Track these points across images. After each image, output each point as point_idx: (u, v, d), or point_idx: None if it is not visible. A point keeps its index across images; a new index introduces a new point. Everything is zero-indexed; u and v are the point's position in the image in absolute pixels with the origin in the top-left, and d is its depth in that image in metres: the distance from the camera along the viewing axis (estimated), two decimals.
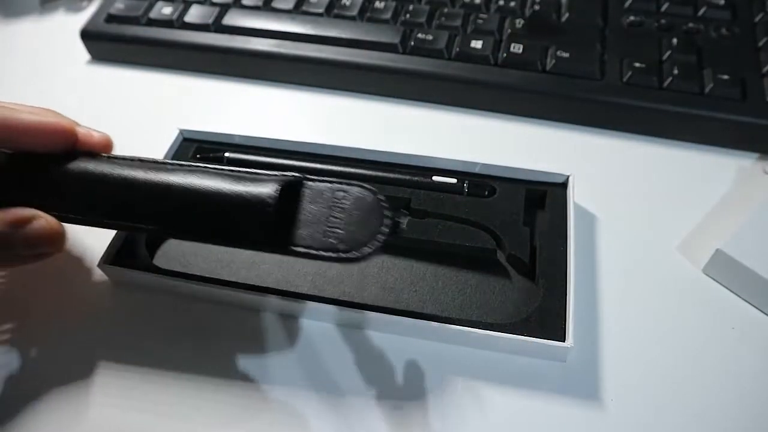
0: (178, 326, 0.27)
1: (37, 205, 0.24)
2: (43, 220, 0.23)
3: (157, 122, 0.37)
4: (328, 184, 0.24)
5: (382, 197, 0.23)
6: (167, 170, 0.24)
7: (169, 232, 0.25)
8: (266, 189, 0.23)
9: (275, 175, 0.23)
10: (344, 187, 0.24)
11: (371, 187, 0.23)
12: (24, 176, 0.25)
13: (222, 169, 0.24)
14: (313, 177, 0.24)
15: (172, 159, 0.33)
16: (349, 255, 0.22)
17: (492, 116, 0.37)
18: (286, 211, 0.23)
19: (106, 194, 0.24)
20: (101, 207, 0.24)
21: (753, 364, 0.25)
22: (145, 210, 0.24)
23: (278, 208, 0.22)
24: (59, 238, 0.24)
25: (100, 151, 0.26)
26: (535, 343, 0.25)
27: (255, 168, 0.24)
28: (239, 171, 0.24)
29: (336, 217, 0.23)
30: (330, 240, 0.23)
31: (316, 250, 0.22)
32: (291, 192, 0.23)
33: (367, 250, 0.22)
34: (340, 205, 0.23)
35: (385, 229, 0.22)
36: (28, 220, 0.23)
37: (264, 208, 0.22)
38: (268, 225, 0.22)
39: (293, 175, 0.24)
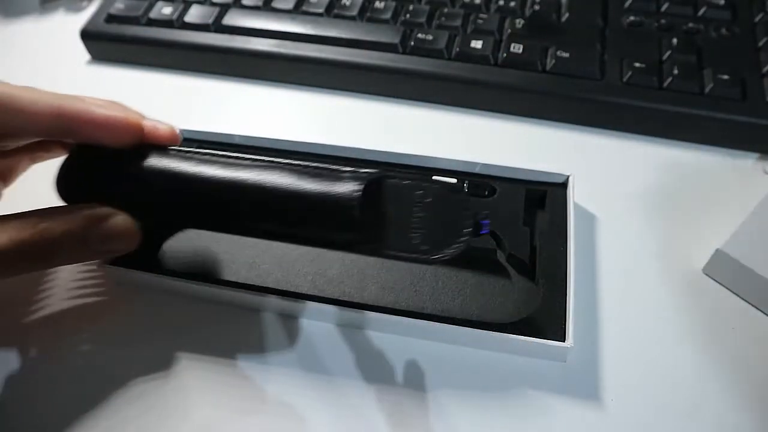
0: (178, 326, 0.27)
1: (115, 202, 0.24)
2: (120, 217, 0.24)
3: None
4: (409, 182, 0.23)
5: (462, 196, 0.23)
6: (243, 166, 0.23)
7: (250, 232, 0.25)
8: (349, 187, 0.22)
9: (355, 171, 0.23)
10: (423, 185, 0.23)
11: (452, 185, 0.23)
12: (102, 173, 0.25)
13: (298, 165, 0.23)
14: (392, 174, 0.23)
15: None
16: (435, 256, 0.22)
17: (492, 116, 0.37)
18: (369, 209, 0.22)
19: (182, 192, 0.24)
20: (177, 206, 0.24)
21: (753, 365, 0.25)
22: (224, 209, 0.24)
23: (362, 208, 0.22)
24: (134, 235, 0.24)
25: (167, 143, 0.26)
26: (535, 343, 0.25)
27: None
28: (317, 167, 0.23)
29: (417, 216, 0.23)
30: (413, 241, 0.22)
31: (402, 251, 0.22)
32: (373, 189, 0.23)
33: (450, 251, 0.22)
34: (421, 204, 0.23)
35: (467, 230, 0.22)
36: (105, 218, 0.24)
37: (348, 208, 0.22)
38: (353, 225, 0.22)
39: (374, 172, 0.23)
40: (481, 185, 0.30)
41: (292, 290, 0.27)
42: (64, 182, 0.25)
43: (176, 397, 0.25)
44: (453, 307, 0.27)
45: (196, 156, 0.24)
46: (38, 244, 0.22)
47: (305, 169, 0.23)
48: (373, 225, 0.23)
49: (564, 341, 0.24)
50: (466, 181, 0.30)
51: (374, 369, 0.26)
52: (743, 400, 0.24)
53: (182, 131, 0.33)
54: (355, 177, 0.23)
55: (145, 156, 0.25)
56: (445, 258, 0.22)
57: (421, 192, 0.23)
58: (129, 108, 0.26)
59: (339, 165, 0.23)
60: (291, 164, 0.23)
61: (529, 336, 0.25)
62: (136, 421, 0.25)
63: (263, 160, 0.24)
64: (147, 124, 0.26)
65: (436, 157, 0.31)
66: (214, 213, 0.24)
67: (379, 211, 0.23)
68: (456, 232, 0.22)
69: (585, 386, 0.25)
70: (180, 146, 0.26)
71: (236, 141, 0.33)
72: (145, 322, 0.28)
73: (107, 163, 0.25)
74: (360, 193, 0.22)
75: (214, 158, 0.24)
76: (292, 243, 0.25)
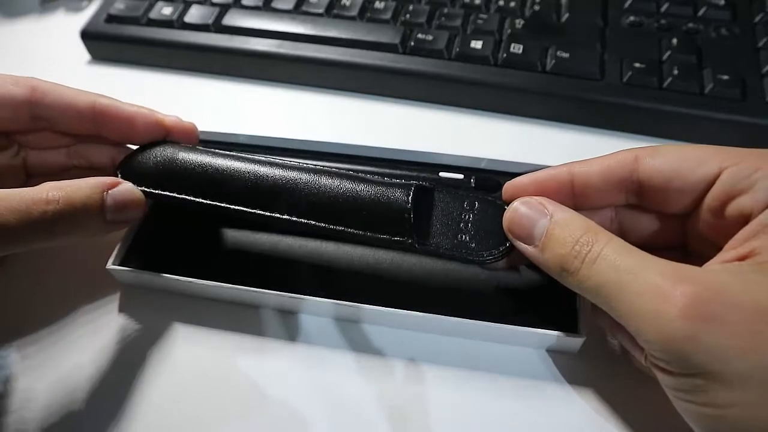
0: (184, 326, 0.28)
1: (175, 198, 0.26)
2: (128, 183, 0.26)
3: None
4: (456, 191, 0.26)
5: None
6: (305, 170, 0.26)
7: (309, 229, 0.26)
8: (402, 193, 0.25)
9: (406, 179, 0.26)
10: (471, 195, 0.26)
11: (497, 201, 0.25)
12: (163, 165, 0.27)
13: (354, 172, 0.26)
14: (441, 187, 0.26)
15: None
16: (480, 257, 0.24)
17: (492, 116, 0.37)
18: (420, 212, 0.25)
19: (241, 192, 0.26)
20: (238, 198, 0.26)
21: None
22: (282, 206, 0.26)
23: (414, 211, 0.24)
24: (141, 202, 0.26)
25: (190, 136, 0.29)
26: (547, 335, 0.25)
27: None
28: (371, 176, 0.26)
29: (465, 221, 0.25)
30: (462, 239, 0.25)
31: (449, 248, 0.25)
32: (423, 196, 0.26)
33: (495, 252, 0.24)
34: (469, 212, 0.25)
35: (509, 242, 0.24)
36: (115, 184, 0.25)
37: (402, 212, 0.24)
38: (406, 227, 0.24)
39: (424, 181, 0.26)
40: (487, 180, 0.30)
41: (297, 288, 0.27)
42: (125, 167, 0.27)
43: (177, 397, 0.25)
44: (463, 302, 0.27)
45: (260, 158, 0.27)
46: (56, 214, 0.23)
47: (362, 177, 0.26)
48: (423, 227, 0.25)
49: (577, 333, 0.25)
50: (473, 177, 0.30)
51: (379, 364, 0.26)
52: None
53: None
54: (407, 185, 0.25)
55: (204, 155, 0.27)
56: (489, 260, 0.24)
57: (469, 201, 0.25)
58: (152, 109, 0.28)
59: (387, 176, 0.26)
60: (349, 172, 0.26)
61: (542, 328, 0.25)
62: (138, 421, 0.25)
63: (322, 167, 0.26)
64: (170, 118, 0.28)
65: (442, 154, 0.31)
66: (274, 203, 0.26)
67: (429, 216, 0.25)
68: (501, 237, 0.24)
69: (598, 378, 0.25)
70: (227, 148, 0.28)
71: (241, 140, 0.33)
72: (145, 322, 0.28)
73: (170, 157, 0.27)
74: (411, 198, 0.25)
75: (279, 162, 0.27)
76: (347, 241, 0.28)
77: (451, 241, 0.25)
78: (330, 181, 0.26)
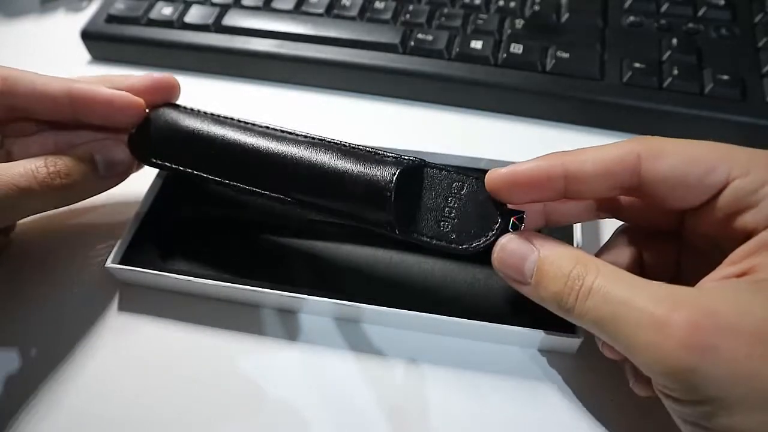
0: (183, 324, 0.27)
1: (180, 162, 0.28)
2: (118, 146, 0.28)
3: None
4: (446, 173, 0.24)
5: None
6: (297, 142, 0.25)
7: (292, 201, 0.26)
8: (387, 171, 0.23)
9: (396, 156, 0.24)
10: (462, 177, 0.24)
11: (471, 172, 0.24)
12: (170, 134, 0.28)
13: (344, 145, 0.25)
14: (433, 164, 0.24)
15: None
16: (460, 247, 0.23)
17: (492, 116, 0.37)
18: (404, 193, 0.23)
19: (236, 157, 0.26)
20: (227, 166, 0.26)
21: None
22: (267, 179, 0.25)
23: (396, 191, 0.23)
24: (131, 162, 0.28)
25: (170, 93, 0.29)
26: (545, 335, 0.25)
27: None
28: (362, 149, 0.25)
29: (450, 207, 0.23)
30: (443, 229, 0.23)
31: (430, 237, 0.23)
32: (410, 175, 0.24)
33: (477, 243, 0.23)
34: (456, 196, 0.24)
35: (497, 224, 0.23)
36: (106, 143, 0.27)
37: (383, 190, 0.23)
38: (386, 206, 0.23)
39: (414, 159, 0.24)
40: None
41: (296, 287, 0.27)
42: (135, 140, 0.28)
43: (177, 396, 0.25)
44: (462, 302, 0.27)
45: (255, 128, 0.27)
46: (56, 177, 0.25)
47: (351, 149, 0.25)
48: (405, 209, 0.23)
49: (574, 333, 0.25)
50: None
51: (379, 364, 0.26)
52: None
53: None
54: (394, 162, 0.24)
55: (207, 123, 0.27)
56: (470, 251, 0.23)
57: (458, 184, 0.24)
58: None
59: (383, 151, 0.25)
60: (336, 144, 0.25)
61: (539, 329, 0.25)
62: (140, 422, 0.25)
63: (309, 137, 0.26)
64: (146, 82, 0.28)
65: (442, 153, 0.31)
66: (260, 176, 0.26)
67: (414, 197, 0.24)
68: (486, 225, 0.23)
69: (595, 378, 0.25)
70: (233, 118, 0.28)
71: None
72: (144, 320, 0.28)
73: (175, 126, 0.28)
74: (395, 177, 0.23)
75: (270, 131, 0.26)
76: (328, 216, 0.27)
77: (433, 228, 0.23)
78: (314, 153, 0.25)
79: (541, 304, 0.22)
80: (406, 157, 0.24)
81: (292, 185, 0.25)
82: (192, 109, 0.28)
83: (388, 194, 0.23)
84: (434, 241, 0.23)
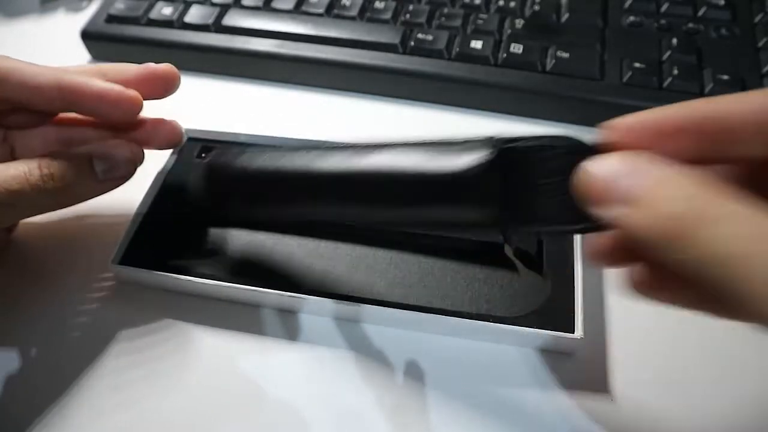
0: (184, 324, 0.28)
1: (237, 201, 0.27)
2: (122, 144, 0.26)
3: None
4: (531, 143, 0.19)
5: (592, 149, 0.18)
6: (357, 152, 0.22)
7: (371, 222, 0.24)
8: (470, 159, 0.19)
9: (473, 140, 0.19)
10: (546, 143, 0.19)
11: (579, 142, 0.19)
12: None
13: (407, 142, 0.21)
14: (508, 138, 0.19)
15: (176, 157, 0.33)
16: (578, 226, 0.19)
17: (492, 116, 0.37)
18: (501, 179, 0.19)
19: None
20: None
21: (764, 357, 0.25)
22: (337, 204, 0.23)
23: (492, 181, 0.19)
24: (136, 160, 0.27)
25: (168, 83, 0.29)
26: (544, 335, 0.25)
27: None
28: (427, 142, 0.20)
29: (546, 183, 0.19)
30: (554, 209, 0.19)
31: (550, 222, 0.19)
32: (503, 155, 0.19)
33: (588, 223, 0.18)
34: (548, 167, 0.19)
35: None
36: (109, 144, 0.26)
37: (473, 185, 0.19)
38: (491, 197, 0.19)
39: (494, 138, 0.19)
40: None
41: (296, 287, 0.27)
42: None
43: (176, 396, 0.25)
44: (461, 302, 0.27)
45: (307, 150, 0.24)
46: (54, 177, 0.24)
47: (416, 145, 0.20)
48: (509, 197, 0.19)
49: (573, 333, 0.25)
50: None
51: (379, 364, 0.26)
52: (752, 394, 0.24)
53: (187, 131, 0.34)
54: (476, 148, 0.19)
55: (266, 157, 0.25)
56: (595, 230, 0.18)
57: (547, 152, 0.19)
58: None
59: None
60: (402, 143, 0.21)
61: (538, 328, 0.25)
62: (141, 421, 0.25)
63: (377, 144, 0.22)
64: (140, 72, 0.28)
65: None
66: (334, 204, 0.24)
67: (511, 181, 0.19)
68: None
69: (594, 378, 0.25)
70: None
71: (241, 140, 0.33)
72: (145, 320, 0.28)
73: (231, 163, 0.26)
74: (486, 166, 0.19)
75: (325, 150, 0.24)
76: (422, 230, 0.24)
77: (545, 210, 0.19)
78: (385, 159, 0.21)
79: (631, 236, 0.16)
80: (482, 140, 0.19)
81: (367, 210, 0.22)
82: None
83: (483, 186, 0.19)
84: (555, 228, 0.19)
